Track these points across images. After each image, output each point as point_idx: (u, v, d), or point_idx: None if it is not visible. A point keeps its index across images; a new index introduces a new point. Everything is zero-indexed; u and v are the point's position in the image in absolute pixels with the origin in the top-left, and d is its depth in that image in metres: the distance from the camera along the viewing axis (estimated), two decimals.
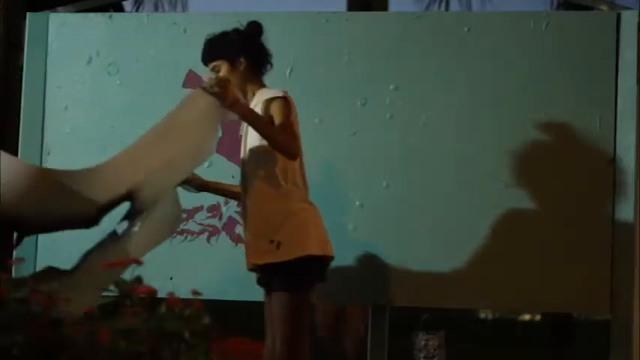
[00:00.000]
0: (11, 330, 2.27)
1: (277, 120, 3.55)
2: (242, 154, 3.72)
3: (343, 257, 4.03)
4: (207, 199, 4.18)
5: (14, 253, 3.29)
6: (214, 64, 3.73)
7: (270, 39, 3.85)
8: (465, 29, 4.31)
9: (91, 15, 4.61)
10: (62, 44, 4.58)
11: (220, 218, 4.38)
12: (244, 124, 3.70)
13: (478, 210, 4.22)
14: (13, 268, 4.02)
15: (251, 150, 3.66)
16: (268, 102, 3.61)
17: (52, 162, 4.50)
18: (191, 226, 4.40)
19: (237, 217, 4.36)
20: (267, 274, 3.63)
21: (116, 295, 2.46)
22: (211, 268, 4.33)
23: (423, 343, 5.64)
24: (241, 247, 4.30)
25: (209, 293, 4.19)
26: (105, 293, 2.77)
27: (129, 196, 3.42)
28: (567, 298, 4.19)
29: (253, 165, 3.65)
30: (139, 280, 2.61)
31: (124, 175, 3.45)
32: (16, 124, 4.64)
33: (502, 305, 4.73)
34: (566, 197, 4.19)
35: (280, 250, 3.56)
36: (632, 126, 4.17)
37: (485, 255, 4.20)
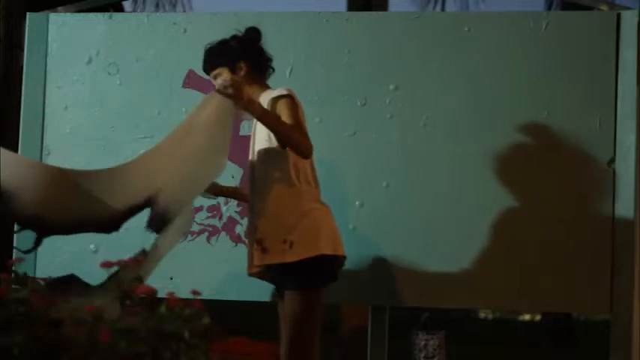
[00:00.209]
0: (11, 330, 2.27)
1: (286, 118, 3.56)
2: (250, 155, 3.73)
3: None
4: (207, 199, 4.18)
5: (33, 253, 3.27)
6: (215, 72, 3.74)
7: (270, 39, 3.85)
8: (465, 29, 4.31)
9: (91, 15, 4.61)
10: (62, 44, 4.58)
11: (220, 218, 4.38)
12: (252, 124, 3.70)
13: (478, 210, 4.22)
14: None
15: (260, 150, 3.67)
16: (274, 101, 3.62)
17: (52, 162, 4.50)
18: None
19: (238, 217, 4.36)
20: (280, 274, 3.64)
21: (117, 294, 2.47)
22: (211, 268, 4.33)
23: (423, 343, 5.65)
24: (241, 246, 4.31)
25: (209, 293, 4.20)
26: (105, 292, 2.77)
27: (149, 202, 3.42)
28: (567, 298, 4.19)
29: (264, 165, 3.66)
30: (139, 280, 2.61)
31: (144, 182, 3.44)
32: (16, 124, 4.63)
33: (502, 305, 4.72)
34: (566, 197, 4.19)
35: (293, 250, 3.56)
36: (632, 126, 4.17)
37: (485, 255, 4.20)
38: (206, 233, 4.40)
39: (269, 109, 3.59)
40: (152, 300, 2.43)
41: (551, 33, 4.25)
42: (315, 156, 3.62)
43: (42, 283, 3.00)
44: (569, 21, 4.28)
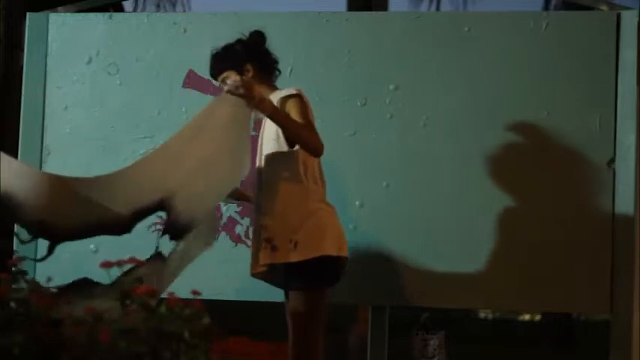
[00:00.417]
0: (11, 330, 2.28)
1: (295, 117, 3.57)
2: (257, 155, 3.73)
3: None
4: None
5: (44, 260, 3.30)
6: (223, 75, 3.75)
7: (271, 39, 3.85)
8: (465, 29, 4.31)
9: (91, 15, 4.61)
10: (62, 44, 4.58)
11: (220, 218, 4.38)
12: (261, 124, 3.72)
13: (478, 210, 4.22)
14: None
15: (269, 149, 3.68)
16: (283, 100, 3.63)
17: (52, 162, 4.51)
18: None
19: (237, 217, 4.36)
20: (284, 274, 3.64)
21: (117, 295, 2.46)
22: (211, 268, 4.32)
23: (423, 343, 5.65)
24: (241, 247, 4.31)
25: (209, 293, 4.20)
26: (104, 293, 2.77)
27: (162, 204, 3.43)
28: (567, 298, 4.19)
29: (273, 164, 3.67)
30: (139, 280, 2.61)
31: (151, 184, 3.44)
32: (16, 124, 4.63)
33: (502, 305, 4.72)
34: (566, 197, 4.18)
35: (297, 250, 3.57)
36: (632, 126, 4.17)
37: (485, 255, 4.20)
38: None
39: (278, 107, 3.60)
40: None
41: (551, 33, 4.25)
42: None
43: (54, 289, 3.02)
44: (569, 21, 4.28)
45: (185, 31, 4.50)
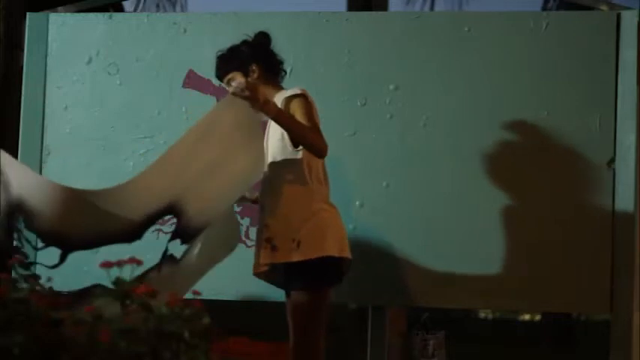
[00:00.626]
0: (11, 330, 2.28)
1: (300, 118, 3.59)
2: (264, 155, 3.73)
3: None
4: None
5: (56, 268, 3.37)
6: (229, 76, 3.76)
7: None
8: (465, 29, 4.31)
9: (91, 15, 4.61)
10: (62, 44, 4.58)
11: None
12: (268, 125, 3.72)
13: (478, 210, 4.22)
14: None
15: (274, 149, 3.69)
16: (288, 100, 3.64)
17: (52, 162, 4.51)
18: None
19: (237, 217, 4.35)
20: (285, 274, 3.64)
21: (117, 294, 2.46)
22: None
23: (422, 343, 5.65)
24: (241, 247, 4.30)
25: (209, 293, 4.19)
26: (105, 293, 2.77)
27: (171, 209, 3.46)
28: (567, 298, 4.19)
29: (278, 164, 3.68)
30: (139, 280, 2.61)
31: (160, 189, 3.47)
32: (16, 124, 4.63)
33: (502, 305, 4.72)
34: (566, 197, 4.19)
35: (300, 250, 3.58)
36: (632, 126, 4.17)
37: (485, 255, 4.20)
38: None
39: (282, 107, 3.62)
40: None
41: (551, 33, 4.25)
42: None
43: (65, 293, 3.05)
44: (569, 21, 4.28)
45: (185, 31, 4.50)
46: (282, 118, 3.56)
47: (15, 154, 4.36)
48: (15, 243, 3.40)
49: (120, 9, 9.44)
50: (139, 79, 4.51)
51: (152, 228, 3.53)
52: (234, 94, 3.53)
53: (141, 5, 11.02)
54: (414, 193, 4.27)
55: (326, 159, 3.69)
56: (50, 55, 4.57)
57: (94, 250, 4.34)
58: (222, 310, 3.67)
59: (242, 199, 3.88)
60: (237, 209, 4.37)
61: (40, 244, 3.41)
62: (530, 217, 4.19)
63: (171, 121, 4.44)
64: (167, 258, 3.54)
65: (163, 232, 4.09)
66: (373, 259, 4.24)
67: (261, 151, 3.68)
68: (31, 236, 3.45)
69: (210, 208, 3.57)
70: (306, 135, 3.56)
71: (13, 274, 3.17)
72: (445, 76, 4.30)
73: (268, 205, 3.69)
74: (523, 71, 4.26)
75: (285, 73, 3.86)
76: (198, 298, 2.76)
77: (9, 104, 5.05)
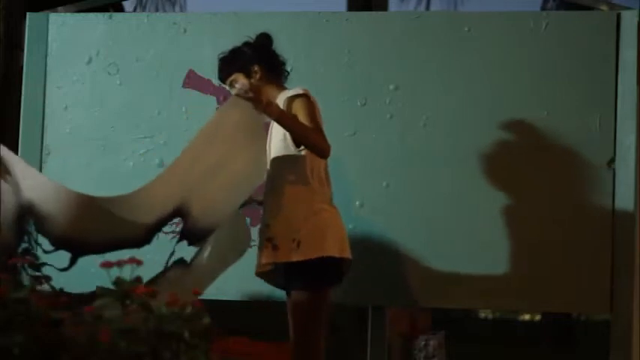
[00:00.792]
0: (11, 330, 2.28)
1: (302, 118, 3.59)
2: (267, 155, 3.74)
3: None
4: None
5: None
6: (231, 78, 3.77)
7: None
8: (465, 29, 4.31)
9: (91, 15, 4.61)
10: (62, 44, 4.58)
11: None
12: (271, 125, 3.73)
13: (478, 210, 4.22)
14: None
15: (277, 149, 3.69)
16: (290, 100, 3.65)
17: (52, 162, 4.51)
18: None
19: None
20: (286, 274, 3.65)
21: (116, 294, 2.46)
22: None
23: (423, 343, 5.65)
24: None
25: (209, 293, 4.19)
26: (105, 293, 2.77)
27: (179, 211, 3.52)
28: (567, 298, 4.19)
29: (280, 164, 3.68)
30: (138, 280, 2.61)
31: (169, 192, 3.52)
32: (16, 124, 4.63)
33: (502, 305, 4.72)
34: (566, 197, 4.18)
35: (300, 250, 3.59)
36: (632, 126, 4.17)
37: (485, 255, 4.20)
38: None
39: (285, 107, 3.62)
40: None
41: (551, 33, 4.25)
42: None
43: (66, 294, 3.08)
44: (569, 21, 4.28)
45: (185, 31, 4.50)
46: (285, 119, 3.57)
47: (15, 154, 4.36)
48: (25, 245, 3.43)
49: (120, 9, 9.44)
50: (139, 79, 4.51)
51: None
52: (237, 95, 3.55)
53: (141, 6, 11.02)
54: (414, 193, 4.27)
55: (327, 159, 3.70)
56: (50, 55, 4.57)
57: None
58: (222, 310, 3.67)
59: (250, 201, 3.88)
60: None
61: (50, 248, 3.43)
62: (530, 217, 4.19)
63: (171, 121, 4.44)
64: (177, 262, 3.59)
65: (163, 232, 4.09)
66: (373, 259, 4.23)
67: (263, 152, 3.69)
68: (41, 239, 3.47)
69: (214, 209, 3.61)
70: (308, 136, 3.57)
71: (23, 274, 3.20)
72: (445, 76, 4.30)
73: (270, 205, 3.69)
74: (523, 71, 4.26)
75: (288, 73, 3.86)
76: (198, 298, 2.76)
77: (9, 104, 5.05)
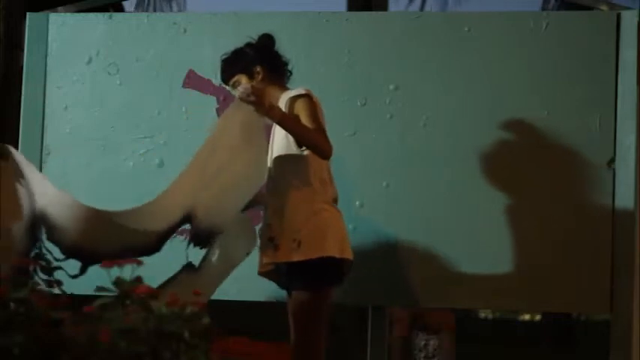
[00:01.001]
0: (11, 330, 2.27)
1: (304, 119, 3.60)
2: (269, 155, 3.75)
3: None
4: None
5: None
6: (234, 79, 3.77)
7: None
8: (465, 29, 4.31)
9: (91, 15, 4.61)
10: (62, 44, 4.58)
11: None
12: (274, 125, 3.73)
13: (478, 210, 4.22)
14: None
15: (279, 149, 3.70)
16: (292, 100, 3.65)
17: (52, 162, 4.51)
18: None
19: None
20: (287, 274, 3.65)
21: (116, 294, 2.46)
22: None
23: (423, 343, 5.65)
24: None
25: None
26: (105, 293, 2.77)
27: (187, 218, 3.59)
28: (567, 298, 4.19)
29: (282, 164, 3.69)
30: (139, 280, 2.61)
31: (179, 200, 3.59)
32: (16, 124, 4.63)
33: (502, 305, 4.72)
34: (566, 197, 4.18)
35: (300, 250, 3.59)
36: (632, 126, 4.17)
37: (485, 255, 4.20)
38: None
39: (287, 108, 3.63)
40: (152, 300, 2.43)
41: (551, 33, 4.25)
42: None
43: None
44: (569, 21, 4.28)
45: (185, 31, 4.50)
46: (287, 122, 3.57)
47: None
48: (36, 251, 3.47)
49: (120, 9, 9.44)
50: (139, 79, 4.51)
51: None
52: (240, 98, 3.55)
53: (142, 6, 11.02)
54: (414, 193, 4.27)
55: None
56: (50, 55, 4.57)
57: None
58: (222, 310, 3.67)
59: (255, 203, 3.88)
60: None
61: (61, 256, 3.48)
62: (530, 217, 4.19)
63: (171, 121, 4.44)
64: (186, 266, 3.66)
65: None
66: (373, 259, 4.23)
67: (265, 153, 3.70)
68: (52, 246, 3.51)
69: (217, 210, 3.65)
70: (309, 137, 3.57)
71: (35, 278, 3.24)
72: (445, 76, 4.30)
73: (272, 205, 3.70)
74: (523, 71, 4.26)
75: (291, 73, 3.86)
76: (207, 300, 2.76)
77: (9, 104, 5.05)
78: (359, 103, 4.35)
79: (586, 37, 4.23)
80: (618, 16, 4.22)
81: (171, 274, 3.94)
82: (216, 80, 4.36)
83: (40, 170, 4.45)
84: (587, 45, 4.22)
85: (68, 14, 4.63)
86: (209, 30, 4.46)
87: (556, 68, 4.24)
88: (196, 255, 3.74)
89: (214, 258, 3.71)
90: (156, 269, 3.53)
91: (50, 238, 3.47)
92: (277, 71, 3.80)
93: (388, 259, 4.25)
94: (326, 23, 4.41)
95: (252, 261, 3.80)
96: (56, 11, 4.64)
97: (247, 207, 3.79)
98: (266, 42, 3.82)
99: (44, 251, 3.47)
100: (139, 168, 4.43)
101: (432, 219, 4.25)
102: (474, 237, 4.20)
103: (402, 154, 4.30)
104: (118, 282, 2.52)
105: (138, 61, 4.51)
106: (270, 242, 3.65)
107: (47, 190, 3.48)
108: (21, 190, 3.43)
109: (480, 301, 4.41)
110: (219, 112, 4.38)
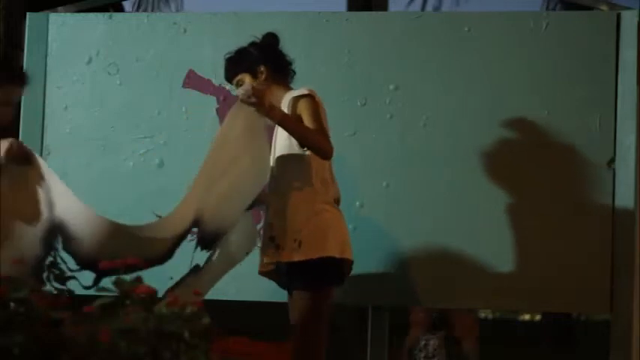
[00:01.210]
0: (11, 330, 2.28)
1: (306, 119, 3.60)
2: (272, 154, 3.75)
3: None
4: None
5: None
6: (237, 78, 3.77)
7: None
8: (465, 29, 4.31)
9: (91, 15, 4.61)
10: (62, 44, 4.58)
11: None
12: (276, 128, 3.74)
13: (478, 210, 4.22)
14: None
15: (281, 149, 3.70)
16: (295, 100, 3.65)
17: (52, 162, 4.50)
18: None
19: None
20: (287, 274, 3.65)
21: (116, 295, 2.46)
22: None
23: (423, 343, 5.65)
24: None
25: (209, 293, 4.19)
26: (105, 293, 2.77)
27: (196, 223, 3.63)
28: (567, 298, 4.19)
29: (284, 164, 3.69)
30: (139, 280, 2.61)
31: (190, 209, 3.62)
32: (16, 124, 4.63)
33: (502, 305, 4.72)
34: (566, 197, 4.18)
35: (301, 250, 3.59)
36: (632, 126, 4.17)
37: (484, 255, 4.19)
38: None
39: (290, 107, 3.63)
40: (152, 300, 2.44)
41: (551, 33, 4.25)
42: None
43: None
44: (569, 21, 4.27)
45: (185, 31, 4.50)
46: (288, 123, 3.58)
47: None
48: (51, 259, 3.49)
49: (120, 9, 9.44)
50: (139, 79, 4.51)
51: None
52: (241, 100, 3.56)
53: (143, 5, 11.01)
54: (414, 193, 4.27)
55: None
56: (50, 55, 4.57)
57: None
58: (222, 310, 3.68)
59: (258, 203, 3.88)
60: None
61: (75, 267, 3.50)
62: (530, 217, 4.19)
63: (171, 121, 4.44)
64: (193, 268, 3.71)
65: None
66: (373, 259, 4.23)
67: (267, 153, 3.71)
68: (67, 256, 3.53)
69: (222, 212, 3.68)
70: (310, 138, 3.58)
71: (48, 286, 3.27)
72: (445, 76, 4.30)
73: (273, 204, 3.70)
74: (523, 71, 4.26)
75: (295, 73, 3.85)
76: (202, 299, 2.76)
77: None
78: (359, 103, 4.35)
79: (586, 37, 4.23)
80: (618, 16, 4.22)
81: (171, 274, 3.96)
82: (216, 80, 4.36)
83: None
84: (587, 45, 4.22)
85: (68, 14, 4.63)
86: (209, 30, 4.46)
87: (556, 68, 4.24)
88: (199, 256, 3.75)
89: (215, 257, 3.73)
90: (156, 269, 3.55)
91: (66, 249, 3.50)
92: (281, 71, 3.79)
93: (388, 259, 4.25)
94: (326, 23, 4.41)
95: (252, 261, 3.80)
96: (56, 11, 4.64)
97: (250, 206, 3.80)
98: (270, 41, 3.82)
99: (59, 260, 3.49)
100: (139, 168, 4.43)
101: (432, 219, 4.25)
102: (474, 237, 4.20)
103: (402, 154, 4.29)
104: (118, 282, 2.52)
105: (138, 61, 4.51)
106: (271, 242, 3.65)
107: (69, 202, 3.50)
108: (42, 197, 3.44)
109: (480, 301, 4.41)
110: (219, 112, 4.38)
